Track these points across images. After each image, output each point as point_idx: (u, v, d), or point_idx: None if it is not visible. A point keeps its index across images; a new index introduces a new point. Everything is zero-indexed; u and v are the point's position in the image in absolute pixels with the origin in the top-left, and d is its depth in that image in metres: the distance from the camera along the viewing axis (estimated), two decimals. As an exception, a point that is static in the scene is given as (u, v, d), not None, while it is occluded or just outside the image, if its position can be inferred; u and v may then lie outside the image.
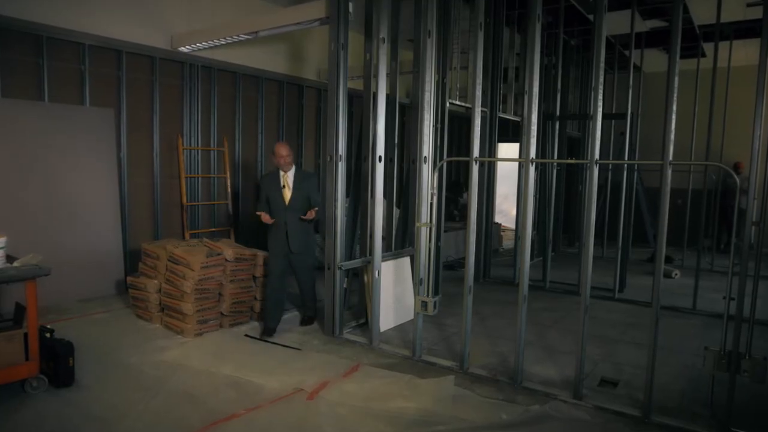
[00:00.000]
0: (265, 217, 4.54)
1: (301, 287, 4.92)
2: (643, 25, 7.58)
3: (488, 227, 7.27)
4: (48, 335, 3.63)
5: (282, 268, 4.67)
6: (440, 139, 5.55)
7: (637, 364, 4.12)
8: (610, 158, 8.34)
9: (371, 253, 4.57)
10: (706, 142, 6.35)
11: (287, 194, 4.61)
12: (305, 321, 4.99)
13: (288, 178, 4.64)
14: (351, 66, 4.61)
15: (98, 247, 5.61)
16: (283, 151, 4.58)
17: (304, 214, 4.61)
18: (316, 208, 4.56)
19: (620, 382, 3.85)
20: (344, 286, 4.76)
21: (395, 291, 5.04)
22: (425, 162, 4.44)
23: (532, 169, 3.71)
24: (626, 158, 6.63)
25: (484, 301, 5.95)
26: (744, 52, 8.47)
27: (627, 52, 6.77)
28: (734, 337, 3.11)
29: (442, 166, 5.49)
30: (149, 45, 6.07)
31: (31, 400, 3.32)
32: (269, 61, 7.40)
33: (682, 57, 3.37)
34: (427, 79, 4.30)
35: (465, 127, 10.97)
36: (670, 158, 3.24)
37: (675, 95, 3.29)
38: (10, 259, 3.46)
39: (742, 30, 7.42)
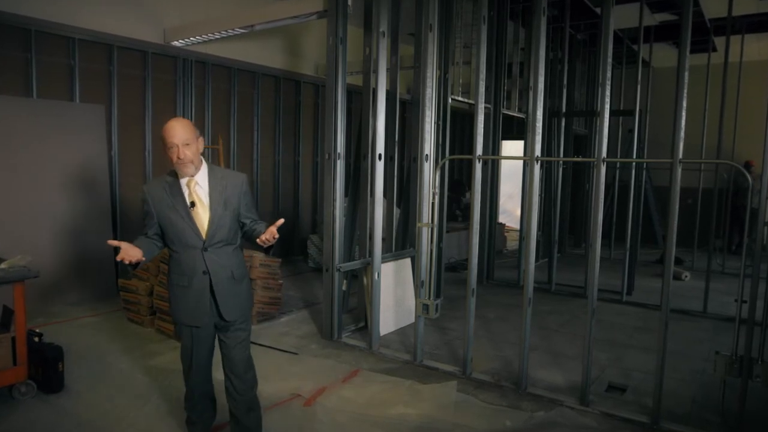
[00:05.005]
0: (129, 252, 2.34)
1: (233, 383, 2.65)
2: (652, 19, 7.50)
3: (492, 227, 7.22)
4: (37, 339, 3.57)
5: (208, 352, 2.66)
6: (442, 137, 5.54)
7: (645, 369, 4.06)
8: (618, 156, 8.25)
9: (371, 254, 4.51)
10: (717, 140, 6.29)
11: (202, 217, 2.51)
12: None
13: (197, 187, 2.52)
14: (350, 61, 4.56)
15: (88, 248, 5.53)
16: (178, 132, 2.41)
17: (237, 248, 2.66)
18: (281, 220, 2.50)
19: (628, 387, 3.80)
20: (343, 288, 4.69)
21: (395, 293, 4.98)
22: (426, 160, 4.42)
23: (537, 168, 3.65)
24: (634, 156, 6.58)
25: (487, 303, 5.88)
26: (756, 47, 8.36)
27: (635, 47, 6.71)
28: (746, 341, 3.07)
29: (443, 164, 5.42)
30: (141, 39, 6.01)
31: (19, 407, 3.26)
32: (265, 55, 7.35)
33: (692, 51, 3.32)
34: (429, 74, 4.27)
35: (467, 124, 10.91)
36: (680, 156, 3.19)
37: (685, 91, 3.24)
38: (-4, 260, 3.39)
39: (755, 24, 7.36)
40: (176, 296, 2.59)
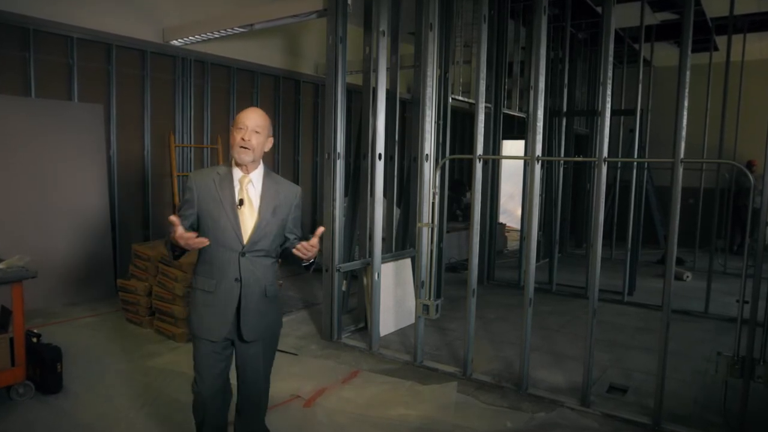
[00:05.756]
0: (186, 236, 2.08)
1: (244, 402, 2.47)
2: (654, 18, 7.47)
3: (492, 228, 7.19)
4: (35, 340, 3.55)
5: (223, 369, 2.38)
6: (442, 136, 5.51)
7: (647, 369, 4.04)
8: (619, 156, 8.22)
9: (371, 254, 4.48)
10: (718, 139, 6.25)
11: (248, 219, 2.29)
12: None
13: (250, 185, 2.32)
14: (350, 60, 4.53)
15: (87, 248, 5.50)
16: (254, 117, 2.27)
17: (275, 263, 2.41)
18: (322, 228, 2.29)
19: (630, 388, 3.78)
20: (342, 288, 4.67)
21: (396, 294, 4.95)
22: (427, 160, 4.41)
23: (537, 167, 3.62)
24: (636, 156, 6.55)
25: (487, 304, 5.85)
26: (758, 46, 8.32)
27: (637, 46, 6.67)
28: (748, 342, 3.06)
29: (444, 164, 5.39)
30: (140, 38, 5.98)
31: (17, 408, 3.24)
32: (265, 55, 7.32)
33: (693, 51, 3.31)
34: (429, 73, 4.26)
35: (468, 124, 10.88)
36: (682, 156, 3.17)
37: (686, 90, 3.22)
38: (-6, 261, 3.37)
39: (756, 23, 7.32)
40: (197, 303, 2.32)
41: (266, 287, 2.33)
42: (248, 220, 2.28)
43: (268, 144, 2.33)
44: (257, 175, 2.33)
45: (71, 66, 5.51)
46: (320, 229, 2.23)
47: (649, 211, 8.12)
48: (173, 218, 2.09)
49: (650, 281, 7.05)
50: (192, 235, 2.09)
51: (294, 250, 2.21)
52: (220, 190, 2.26)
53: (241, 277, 2.26)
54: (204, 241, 2.12)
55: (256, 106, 7.32)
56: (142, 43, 6.01)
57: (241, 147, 2.23)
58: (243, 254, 2.26)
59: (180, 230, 2.06)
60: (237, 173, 2.30)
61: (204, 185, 2.28)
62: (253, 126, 2.24)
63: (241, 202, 2.27)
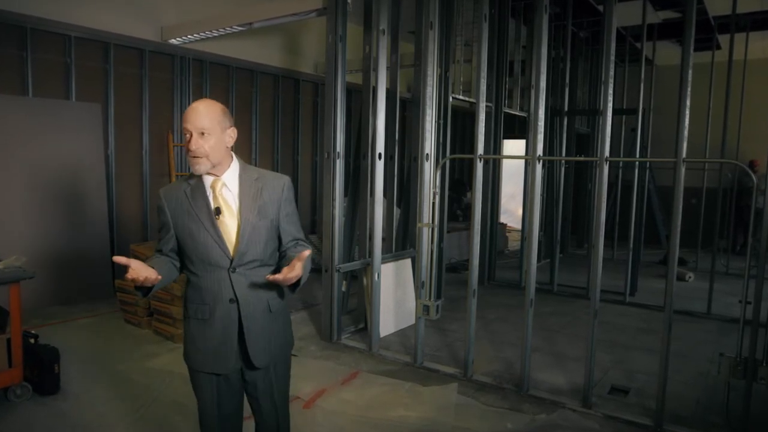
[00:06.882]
0: (141, 272, 1.75)
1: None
2: (656, 16, 7.46)
3: (493, 228, 7.17)
4: (32, 341, 3.55)
5: (234, 408, 2.09)
6: (443, 136, 5.50)
7: (649, 370, 4.02)
8: (621, 155, 8.20)
9: (371, 254, 4.47)
10: (721, 139, 6.23)
11: (230, 228, 1.96)
12: None
13: (225, 189, 1.98)
14: (349, 59, 4.53)
15: (85, 248, 5.49)
16: (197, 116, 1.87)
17: (273, 267, 2.05)
18: (308, 250, 1.93)
19: (631, 389, 3.77)
20: (342, 289, 4.65)
21: (396, 294, 4.93)
22: (427, 159, 4.40)
23: (539, 167, 3.61)
24: (637, 155, 6.54)
25: (488, 304, 5.84)
26: (761, 45, 8.30)
27: (638, 45, 6.66)
28: (751, 342, 3.05)
29: (444, 163, 5.37)
30: (138, 37, 5.96)
31: (15, 409, 3.23)
32: (264, 54, 7.30)
33: (696, 49, 3.30)
34: (429, 72, 4.24)
35: (468, 123, 10.86)
36: (684, 155, 3.15)
37: (689, 89, 3.19)
38: (-9, 261, 3.36)
39: (759, 21, 7.29)
40: (192, 333, 2.00)
41: (269, 302, 2.01)
42: (230, 229, 1.95)
43: (229, 138, 1.95)
44: (231, 175, 1.99)
45: (69, 65, 5.49)
46: (306, 252, 1.86)
47: (651, 211, 8.09)
48: (117, 258, 1.78)
49: (652, 282, 7.03)
50: (148, 274, 1.77)
51: (267, 277, 1.87)
52: (193, 202, 1.94)
53: (236, 297, 1.94)
54: (152, 276, 1.79)
55: (255, 104, 7.31)
56: (140, 41, 5.99)
57: (192, 157, 1.90)
58: (233, 270, 1.94)
59: (134, 266, 1.73)
60: (208, 179, 1.97)
61: (175, 201, 1.97)
62: (198, 128, 1.86)
63: (218, 210, 1.94)
